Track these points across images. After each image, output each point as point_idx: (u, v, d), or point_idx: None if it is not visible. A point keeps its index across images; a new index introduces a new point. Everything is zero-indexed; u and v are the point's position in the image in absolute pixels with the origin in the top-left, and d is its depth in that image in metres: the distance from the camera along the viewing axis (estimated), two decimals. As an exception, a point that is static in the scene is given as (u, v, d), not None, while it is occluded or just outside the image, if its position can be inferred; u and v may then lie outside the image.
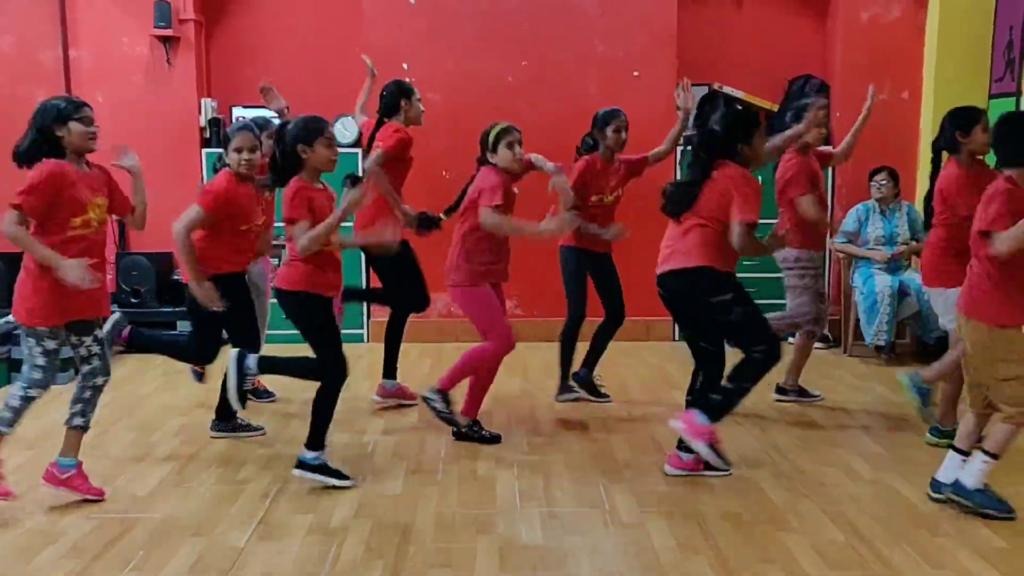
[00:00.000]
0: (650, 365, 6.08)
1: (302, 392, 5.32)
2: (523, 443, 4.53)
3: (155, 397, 5.31)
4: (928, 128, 6.56)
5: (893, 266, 6.06)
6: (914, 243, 6.13)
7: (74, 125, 3.59)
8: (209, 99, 6.71)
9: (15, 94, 6.63)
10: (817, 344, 6.58)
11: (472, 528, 3.54)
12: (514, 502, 3.80)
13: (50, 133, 3.58)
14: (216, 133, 6.67)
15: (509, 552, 3.34)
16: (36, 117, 3.61)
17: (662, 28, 6.57)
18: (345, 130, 6.66)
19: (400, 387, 5.15)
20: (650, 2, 6.57)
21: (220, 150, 6.33)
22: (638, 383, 5.55)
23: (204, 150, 6.58)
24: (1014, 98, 6.09)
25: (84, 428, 3.83)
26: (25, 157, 3.62)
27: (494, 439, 4.49)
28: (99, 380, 3.81)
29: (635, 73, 6.60)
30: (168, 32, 6.49)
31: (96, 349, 3.78)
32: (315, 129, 3.78)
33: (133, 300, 6.31)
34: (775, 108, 6.90)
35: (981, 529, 3.50)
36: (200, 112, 6.62)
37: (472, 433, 4.51)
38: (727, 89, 6.80)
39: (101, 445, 4.49)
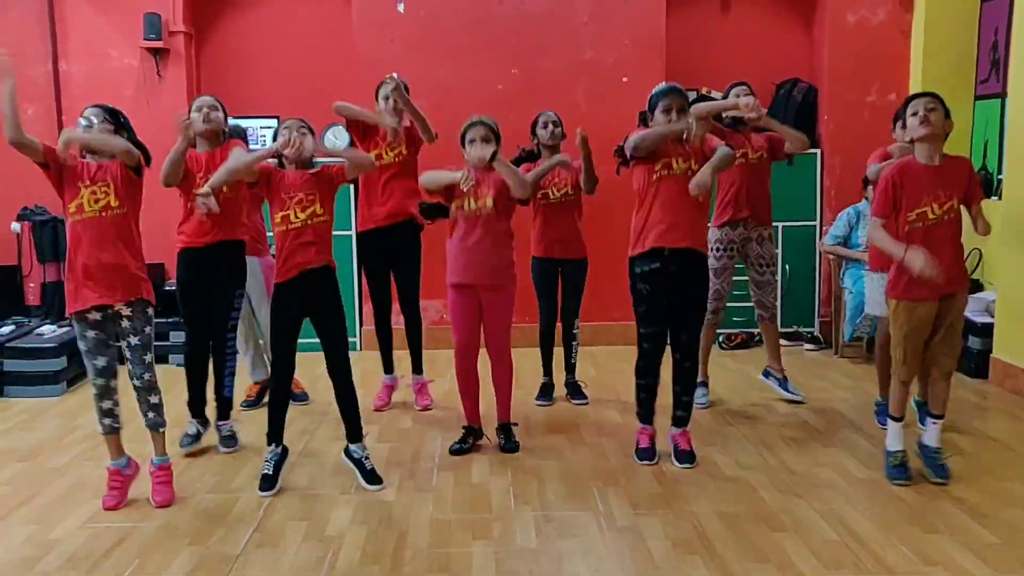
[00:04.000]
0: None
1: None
2: (517, 447, 4.54)
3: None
4: (915, 130, 6.61)
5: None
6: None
7: None
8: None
9: (5, 108, 6.63)
10: (808, 346, 6.64)
11: (467, 533, 3.55)
12: (508, 506, 3.81)
13: None
14: (207, 144, 6.67)
15: (504, 556, 3.36)
16: None
17: (650, 34, 6.61)
18: (336, 139, 6.65)
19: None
20: (638, 8, 6.60)
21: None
22: (630, 386, 5.55)
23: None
24: (999, 99, 6.14)
25: (148, 426, 3.98)
26: None
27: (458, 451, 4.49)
28: (134, 382, 3.90)
29: (624, 79, 6.63)
30: (158, 44, 6.50)
31: (127, 354, 3.88)
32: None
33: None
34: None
35: (973, 526, 3.53)
36: (191, 123, 6.63)
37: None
38: (715, 94, 6.83)
39: (95, 457, 4.49)
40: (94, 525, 3.67)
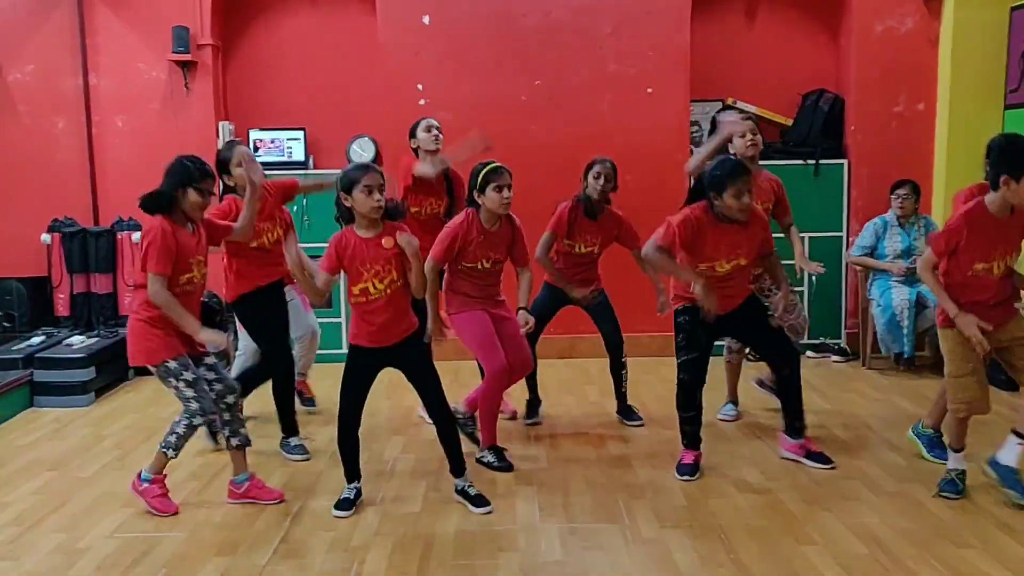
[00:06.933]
0: (668, 380, 6.02)
1: (323, 410, 5.37)
2: (543, 459, 4.53)
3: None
4: (943, 139, 6.55)
5: (911, 279, 6.03)
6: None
7: (192, 193, 3.84)
8: (227, 122, 6.78)
9: (37, 122, 6.73)
10: (835, 357, 6.59)
11: (493, 545, 3.54)
12: (534, 518, 3.80)
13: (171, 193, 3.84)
14: (233, 156, 6.73)
15: (530, 568, 3.35)
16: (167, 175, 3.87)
17: (675, 45, 6.59)
18: (362, 151, 6.71)
19: None
20: (663, 19, 6.59)
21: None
22: (657, 399, 5.54)
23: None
24: (1030, 108, 6.08)
25: (242, 444, 4.04)
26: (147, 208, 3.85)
27: (504, 469, 4.39)
28: (228, 399, 3.99)
29: (648, 90, 6.62)
30: (186, 57, 6.57)
31: (211, 375, 3.97)
32: (352, 178, 3.72)
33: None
34: (789, 123, 6.91)
35: (1005, 539, 3.48)
36: (218, 135, 6.69)
37: (485, 461, 4.45)
38: (740, 104, 6.82)
39: (124, 467, 4.53)
40: (123, 535, 3.70)
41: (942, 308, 3.84)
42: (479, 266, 4.38)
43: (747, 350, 5.14)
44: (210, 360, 3.99)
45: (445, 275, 4.49)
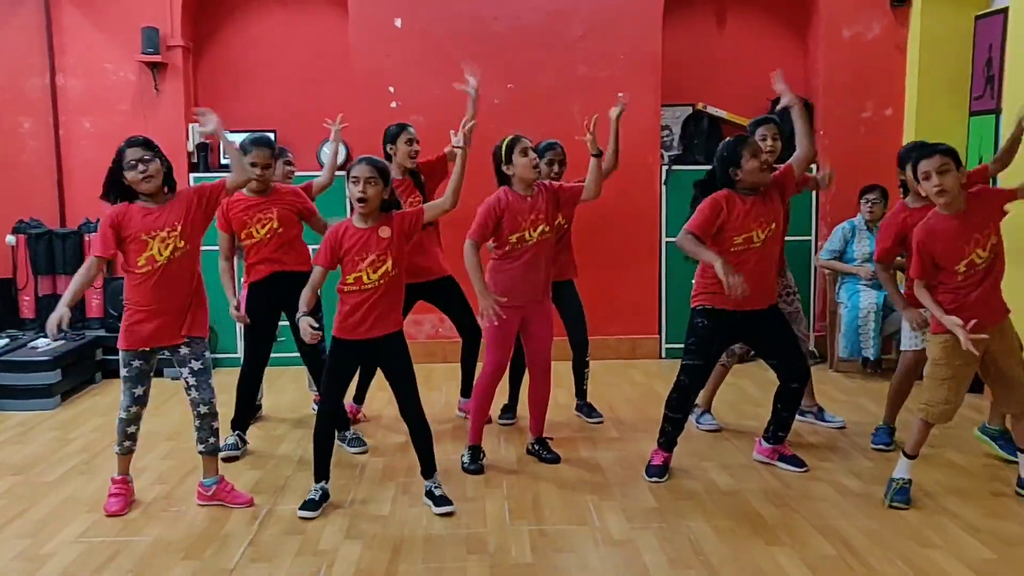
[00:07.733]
0: (636, 383, 6.09)
1: (291, 413, 5.35)
2: (512, 461, 4.54)
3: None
4: (910, 145, 6.63)
5: (878, 282, 6.09)
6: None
7: (128, 173, 3.80)
8: (196, 124, 6.72)
9: (2, 122, 6.63)
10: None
11: (462, 547, 3.54)
12: (504, 520, 3.80)
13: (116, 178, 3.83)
14: (204, 158, 6.69)
15: (499, 571, 3.34)
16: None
17: (646, 49, 6.62)
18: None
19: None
20: (634, 23, 6.62)
21: (208, 174, 6.42)
22: (625, 401, 5.56)
23: (191, 175, 6.60)
24: (994, 115, 6.16)
25: (206, 452, 4.00)
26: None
27: (475, 472, 4.39)
28: (200, 408, 3.91)
29: (619, 94, 6.62)
30: (156, 58, 6.50)
31: (191, 380, 3.89)
32: (348, 169, 3.81)
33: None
34: (759, 127, 6.94)
35: (969, 541, 3.53)
36: (188, 137, 6.64)
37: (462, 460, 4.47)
38: (710, 109, 6.86)
39: (90, 471, 4.48)
40: (87, 539, 3.65)
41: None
42: (527, 236, 4.24)
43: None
44: (196, 366, 3.89)
45: (488, 266, 4.35)
